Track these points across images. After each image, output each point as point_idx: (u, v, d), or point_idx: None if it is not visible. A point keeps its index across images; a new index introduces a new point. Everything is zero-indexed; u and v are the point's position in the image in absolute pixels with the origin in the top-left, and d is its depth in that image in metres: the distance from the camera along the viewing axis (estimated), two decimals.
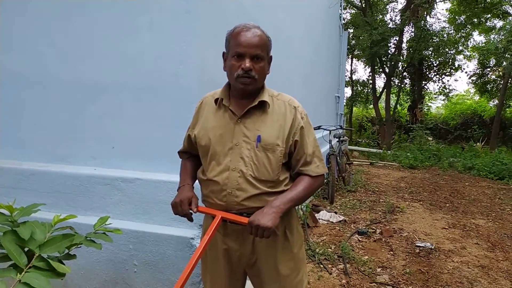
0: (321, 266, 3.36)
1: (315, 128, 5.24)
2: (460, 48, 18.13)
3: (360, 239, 4.10)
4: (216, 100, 1.60)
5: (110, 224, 1.98)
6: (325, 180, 5.76)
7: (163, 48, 2.47)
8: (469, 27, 17.92)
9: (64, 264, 1.74)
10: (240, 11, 3.06)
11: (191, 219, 1.60)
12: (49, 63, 2.70)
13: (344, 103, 16.81)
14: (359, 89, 20.24)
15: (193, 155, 1.75)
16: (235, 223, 1.51)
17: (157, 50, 2.48)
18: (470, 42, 19.02)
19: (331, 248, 3.77)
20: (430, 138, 13.87)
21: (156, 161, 2.48)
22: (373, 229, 4.42)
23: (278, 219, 1.42)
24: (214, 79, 2.67)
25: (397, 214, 5.09)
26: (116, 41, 2.55)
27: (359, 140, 18.19)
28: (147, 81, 2.50)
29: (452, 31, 17.56)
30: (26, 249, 1.68)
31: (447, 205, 5.77)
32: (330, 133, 6.19)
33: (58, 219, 1.82)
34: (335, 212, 4.87)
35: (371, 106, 19.82)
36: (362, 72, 28.61)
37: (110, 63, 2.57)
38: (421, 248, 3.88)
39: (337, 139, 6.52)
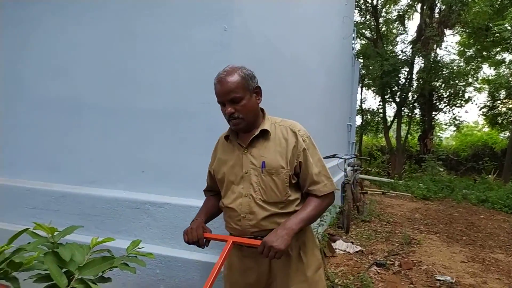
0: None
1: (329, 156, 5.27)
2: (470, 80, 18.27)
3: (379, 271, 4.04)
4: (226, 137, 1.79)
5: (142, 248, 2.01)
6: (339, 209, 5.74)
7: (195, 77, 2.56)
8: (479, 59, 18.12)
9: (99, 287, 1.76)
10: (266, 44, 3.16)
11: (202, 244, 1.70)
12: (85, 89, 2.81)
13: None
14: (369, 118, 20.34)
15: (216, 193, 1.90)
16: (248, 246, 1.64)
17: (190, 79, 2.57)
18: (480, 74, 19.20)
19: (349, 280, 3.72)
20: (441, 169, 13.78)
21: (185, 186, 2.52)
22: (392, 260, 4.36)
23: (290, 240, 1.52)
24: None
25: (415, 246, 5.03)
26: (151, 69, 2.66)
27: (369, 169, 18.10)
28: (180, 109, 2.58)
29: (462, 63, 17.76)
30: (64, 270, 1.72)
31: (464, 238, 5.69)
32: (345, 161, 6.21)
33: (97, 242, 1.85)
34: (352, 242, 4.83)
35: (381, 135, 19.85)
36: (372, 101, 28.72)
37: (144, 90, 2.66)
38: (441, 281, 3.82)
39: (351, 168, 6.53)
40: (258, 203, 1.63)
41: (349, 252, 4.53)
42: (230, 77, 1.62)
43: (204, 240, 1.70)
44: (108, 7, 2.79)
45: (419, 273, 4.03)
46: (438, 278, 3.89)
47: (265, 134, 1.69)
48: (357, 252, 4.57)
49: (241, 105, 1.62)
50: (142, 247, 2.00)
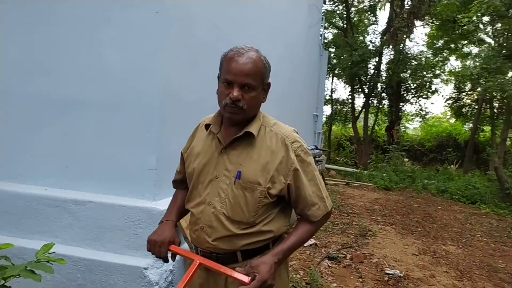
0: None
1: None
2: (437, 72, 18.64)
3: (330, 265, 4.00)
4: (207, 126, 1.49)
5: (54, 252, 1.83)
6: None
7: (126, 64, 2.37)
8: (447, 52, 18.47)
9: None
10: (212, 30, 2.98)
11: (166, 261, 1.46)
12: (8, 77, 2.54)
13: (324, 121, 16.94)
14: (339, 107, 20.48)
15: (186, 186, 1.58)
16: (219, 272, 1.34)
17: (120, 66, 2.37)
18: (447, 66, 19.61)
19: (299, 274, 3.66)
20: (405, 160, 14.05)
21: (112, 182, 2.34)
22: (344, 254, 4.34)
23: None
24: (179, 97, 2.58)
25: (369, 238, 5.04)
26: (80, 56, 2.43)
27: (337, 158, 18.29)
28: (109, 99, 2.38)
29: (430, 55, 18.06)
30: None
31: (419, 229, 5.77)
32: None
33: None
34: None
35: (350, 125, 20.05)
36: (342, 91, 28.93)
37: (72, 79, 2.44)
38: (390, 275, 3.82)
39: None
40: (219, 218, 1.38)
41: (302, 246, 4.47)
42: (254, 58, 1.35)
43: (170, 254, 1.45)
44: None
45: (370, 267, 4.02)
46: (387, 272, 3.89)
47: (250, 137, 1.39)
48: (310, 245, 4.52)
49: (250, 96, 1.34)
50: (54, 252, 1.83)
